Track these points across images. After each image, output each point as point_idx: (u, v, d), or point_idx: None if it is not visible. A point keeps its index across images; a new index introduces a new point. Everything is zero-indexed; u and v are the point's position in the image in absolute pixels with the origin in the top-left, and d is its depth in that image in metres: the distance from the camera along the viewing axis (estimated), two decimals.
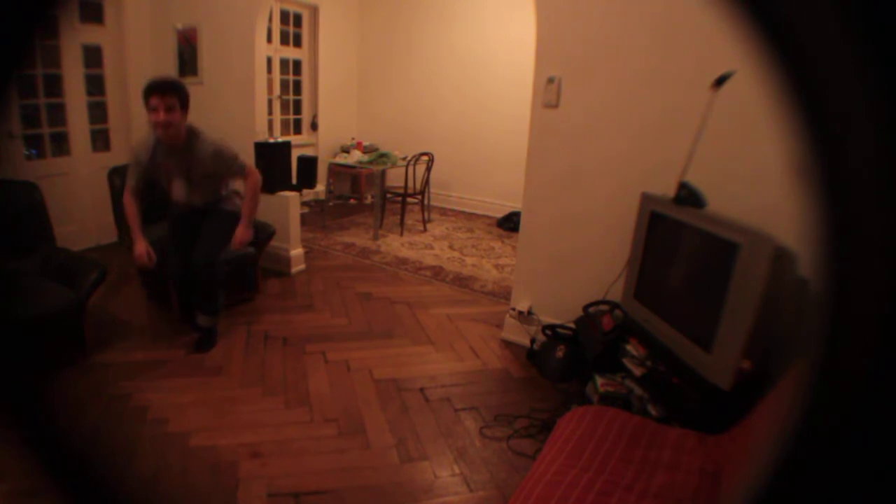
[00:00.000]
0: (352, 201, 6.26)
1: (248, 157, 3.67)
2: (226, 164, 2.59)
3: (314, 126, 5.91)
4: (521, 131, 3.14)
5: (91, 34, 3.94)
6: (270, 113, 5.18)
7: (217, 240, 2.73)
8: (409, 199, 5.08)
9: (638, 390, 2.01)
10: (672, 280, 2.11)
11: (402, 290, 3.69)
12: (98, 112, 4.11)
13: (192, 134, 2.49)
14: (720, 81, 1.85)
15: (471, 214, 6.02)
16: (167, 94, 2.32)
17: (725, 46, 1.79)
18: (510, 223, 5.31)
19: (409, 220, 5.26)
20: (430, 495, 1.85)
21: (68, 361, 2.50)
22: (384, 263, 4.21)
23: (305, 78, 5.75)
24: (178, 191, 2.64)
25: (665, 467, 1.45)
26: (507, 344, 2.95)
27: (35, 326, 2.33)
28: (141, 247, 2.55)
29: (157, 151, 2.50)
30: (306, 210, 5.44)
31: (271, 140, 3.73)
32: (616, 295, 2.37)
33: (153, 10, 4.16)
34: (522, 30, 4.78)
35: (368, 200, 6.25)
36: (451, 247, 4.76)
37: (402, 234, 5.01)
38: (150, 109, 2.32)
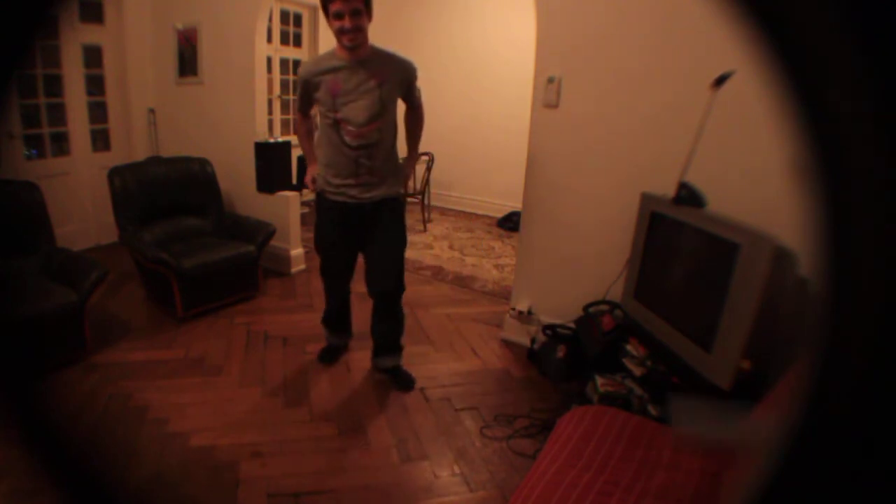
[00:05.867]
0: None
1: (248, 157, 3.68)
2: (412, 74, 2.23)
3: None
4: (521, 131, 3.14)
5: (91, 34, 3.94)
6: (270, 113, 5.18)
7: (402, 252, 2.37)
8: (409, 199, 5.08)
9: (638, 390, 2.01)
10: (672, 280, 2.11)
11: None
12: (98, 112, 4.11)
13: (373, 47, 2.13)
14: (720, 81, 1.85)
15: (471, 214, 6.02)
16: None
17: (724, 44, 1.79)
18: (510, 223, 5.31)
19: (408, 220, 5.26)
20: (430, 495, 1.85)
21: (68, 361, 2.50)
22: None
23: None
24: (359, 116, 2.10)
25: (665, 467, 1.45)
26: (507, 344, 2.95)
27: (35, 326, 2.33)
28: (311, 171, 2.35)
29: (335, 72, 2.09)
30: (306, 210, 5.44)
31: (271, 140, 3.72)
32: (616, 295, 2.37)
33: (153, 10, 4.16)
34: (522, 30, 4.78)
35: None
36: (451, 247, 4.76)
37: None
38: (334, 17, 1.98)
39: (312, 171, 2.35)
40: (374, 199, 2.22)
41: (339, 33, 2.00)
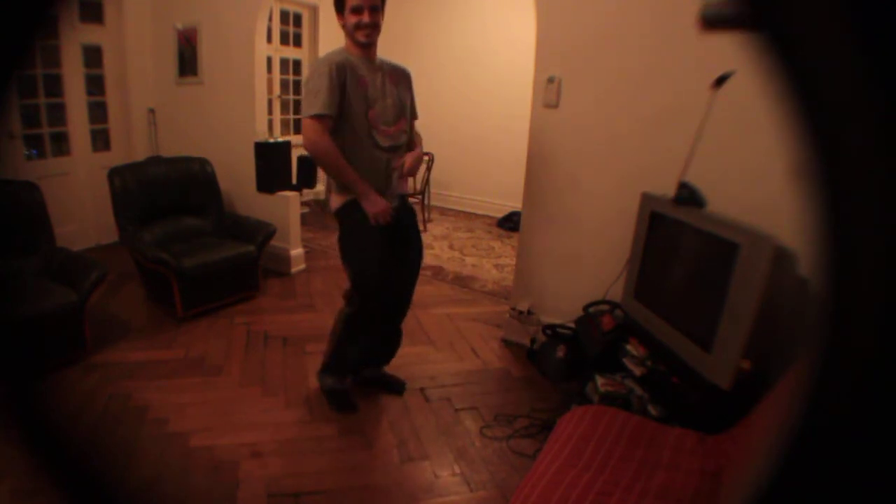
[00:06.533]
0: None
1: (248, 157, 3.68)
2: (411, 80, 2.18)
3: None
4: (521, 131, 3.14)
5: (91, 34, 3.94)
6: (270, 113, 5.18)
7: (419, 267, 2.34)
8: (409, 199, 5.08)
9: (638, 390, 2.01)
10: (672, 280, 2.11)
11: None
12: (98, 112, 4.11)
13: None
14: (720, 81, 1.85)
15: (471, 214, 6.02)
16: None
17: (724, 44, 1.79)
18: (510, 223, 5.31)
19: None
20: (430, 495, 1.85)
21: (68, 361, 2.50)
22: None
23: (305, 78, 5.74)
24: (387, 113, 2.03)
25: (665, 467, 1.45)
26: (507, 344, 2.95)
27: (35, 326, 2.33)
28: (382, 201, 2.01)
29: (354, 69, 1.96)
30: (306, 210, 5.44)
31: (271, 140, 3.73)
32: (616, 295, 2.37)
33: (153, 10, 4.17)
34: (522, 29, 4.77)
35: None
36: (451, 247, 4.76)
37: None
38: (352, 11, 1.92)
39: (379, 198, 2.02)
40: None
41: (356, 28, 1.94)
